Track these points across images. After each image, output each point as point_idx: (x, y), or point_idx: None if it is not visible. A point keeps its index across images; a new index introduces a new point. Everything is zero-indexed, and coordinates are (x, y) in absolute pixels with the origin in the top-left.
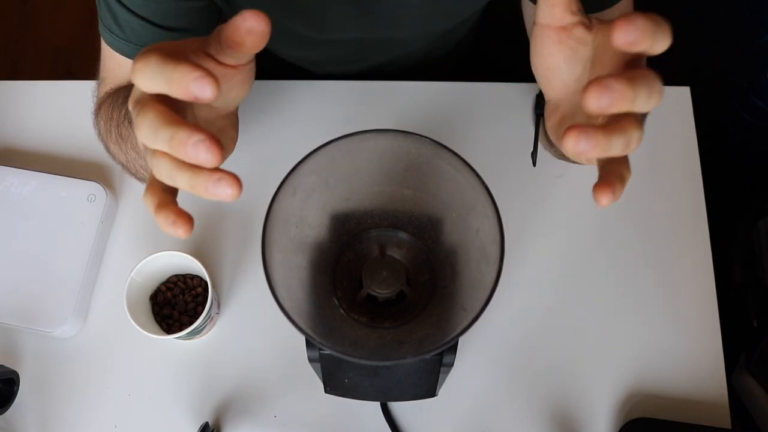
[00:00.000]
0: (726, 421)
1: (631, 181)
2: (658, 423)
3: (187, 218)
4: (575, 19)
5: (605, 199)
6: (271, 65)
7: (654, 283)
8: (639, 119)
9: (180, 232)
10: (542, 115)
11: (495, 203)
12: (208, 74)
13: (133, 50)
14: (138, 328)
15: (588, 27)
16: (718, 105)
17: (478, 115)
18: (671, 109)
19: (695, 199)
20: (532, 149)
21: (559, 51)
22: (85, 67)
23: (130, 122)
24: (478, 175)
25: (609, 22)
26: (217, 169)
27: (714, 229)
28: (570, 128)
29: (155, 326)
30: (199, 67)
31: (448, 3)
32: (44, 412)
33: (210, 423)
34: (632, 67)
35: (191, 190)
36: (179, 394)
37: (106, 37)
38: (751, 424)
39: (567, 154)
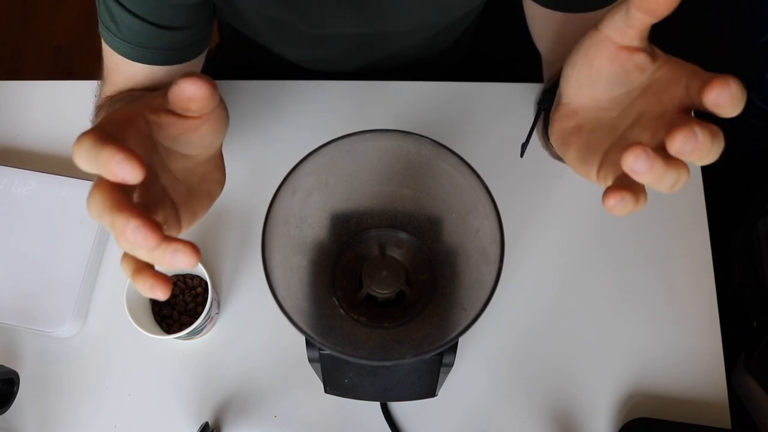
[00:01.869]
0: (726, 421)
1: None
2: (658, 423)
3: (165, 280)
4: (642, 45)
5: (613, 200)
6: (269, 66)
7: (654, 283)
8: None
9: (159, 294)
10: (547, 111)
11: (495, 203)
12: (130, 157)
13: (130, 49)
14: (138, 328)
15: (652, 57)
16: None
17: (478, 115)
18: None
19: (695, 199)
20: (524, 141)
21: (609, 66)
22: (85, 67)
23: None
24: (477, 175)
25: (676, 67)
26: (173, 240)
27: (714, 229)
28: (634, 144)
29: (155, 326)
30: (122, 149)
31: None
32: (44, 412)
33: (210, 423)
34: (684, 114)
35: (154, 262)
36: (179, 394)
37: (105, 36)
38: (750, 424)
39: (624, 167)
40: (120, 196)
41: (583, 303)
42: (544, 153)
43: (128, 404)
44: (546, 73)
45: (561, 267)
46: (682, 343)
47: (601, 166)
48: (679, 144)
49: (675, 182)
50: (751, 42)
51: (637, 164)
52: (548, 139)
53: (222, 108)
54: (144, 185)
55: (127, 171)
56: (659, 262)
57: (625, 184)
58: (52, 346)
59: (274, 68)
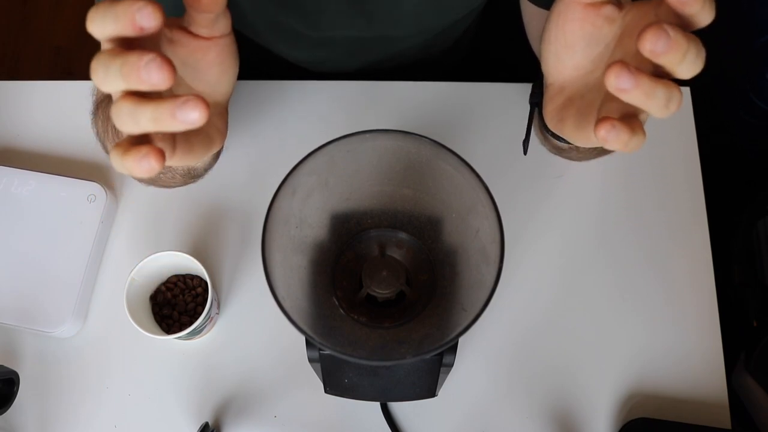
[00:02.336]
0: (726, 421)
1: (632, 181)
2: (658, 423)
3: (158, 150)
4: None
5: (603, 129)
6: (269, 66)
7: (654, 283)
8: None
9: (153, 162)
10: (537, 104)
11: (495, 203)
12: (149, 2)
13: None
14: (138, 328)
15: (619, 6)
16: (718, 105)
17: (478, 115)
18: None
19: (695, 199)
20: (524, 138)
21: (581, 28)
22: (85, 67)
23: None
24: (477, 175)
25: (644, 6)
26: (181, 94)
27: (714, 228)
28: (614, 63)
29: (155, 326)
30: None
31: (444, 1)
32: (44, 412)
33: (210, 423)
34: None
35: (157, 125)
36: (179, 394)
37: None
38: (751, 424)
39: (609, 88)
40: (131, 46)
41: (583, 303)
42: (544, 153)
43: (128, 404)
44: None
45: (561, 267)
46: (682, 343)
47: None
48: (651, 42)
49: (667, 100)
50: (751, 42)
51: (620, 81)
52: (546, 132)
53: (231, 42)
54: None
55: (146, 15)
56: (659, 262)
57: (616, 115)
58: (52, 346)
59: (274, 68)
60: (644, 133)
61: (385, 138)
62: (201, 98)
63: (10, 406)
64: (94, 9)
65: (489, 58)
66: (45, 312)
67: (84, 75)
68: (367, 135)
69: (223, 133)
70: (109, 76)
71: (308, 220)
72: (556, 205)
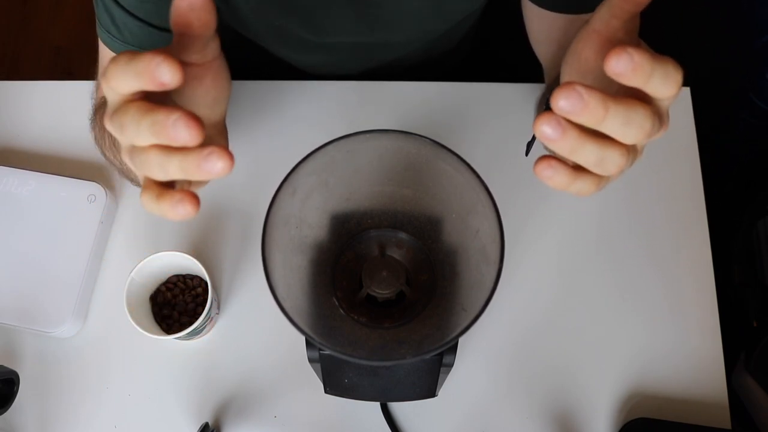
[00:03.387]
0: (726, 421)
1: (632, 181)
2: (658, 423)
3: (192, 195)
4: (627, 37)
5: (539, 166)
6: (270, 66)
7: (654, 283)
8: (652, 107)
9: (189, 208)
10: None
11: (495, 203)
12: (168, 58)
13: None
14: (138, 328)
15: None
16: (718, 105)
17: (478, 115)
18: (671, 110)
19: (695, 199)
20: (529, 139)
21: (595, 60)
22: (85, 67)
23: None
24: (477, 176)
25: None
26: (206, 145)
27: (714, 228)
28: (564, 84)
29: (155, 326)
30: (159, 53)
31: (446, 4)
32: (44, 412)
33: (210, 423)
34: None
35: (184, 174)
36: (179, 394)
37: (104, 38)
38: (750, 424)
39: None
40: (153, 103)
41: (583, 303)
42: (544, 153)
43: (128, 404)
44: (546, 81)
45: (561, 267)
46: (682, 343)
47: None
48: (613, 64)
49: (626, 120)
50: (751, 42)
51: (567, 103)
52: None
53: (223, 63)
54: None
55: (165, 72)
56: (659, 262)
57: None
58: (52, 346)
59: (274, 68)
60: (595, 183)
61: (385, 138)
62: (225, 149)
63: (10, 406)
64: (113, 65)
65: (489, 58)
66: (45, 312)
67: (84, 75)
68: (367, 135)
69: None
70: (141, 131)
71: (308, 221)
72: (557, 205)
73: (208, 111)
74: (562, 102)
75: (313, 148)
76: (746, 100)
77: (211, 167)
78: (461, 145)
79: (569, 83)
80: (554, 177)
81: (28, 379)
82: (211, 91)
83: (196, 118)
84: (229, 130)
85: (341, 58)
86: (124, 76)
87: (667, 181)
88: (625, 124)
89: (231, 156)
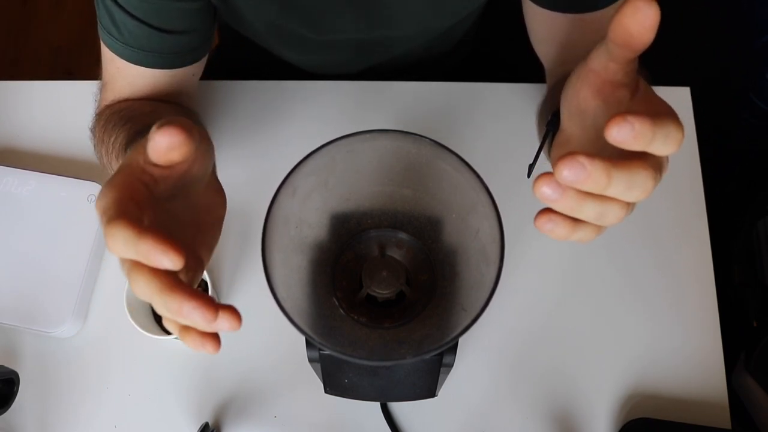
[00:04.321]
0: (726, 421)
1: None
2: (658, 423)
3: (213, 335)
4: (626, 79)
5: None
6: (269, 66)
7: (654, 283)
8: (652, 164)
9: (210, 349)
10: (553, 132)
11: (495, 203)
12: (170, 247)
13: (132, 53)
14: (138, 328)
15: (633, 92)
16: (719, 105)
17: (478, 115)
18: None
19: (695, 199)
20: (531, 161)
21: (593, 98)
22: (85, 67)
23: (117, 158)
24: (478, 176)
25: (652, 99)
26: (218, 307)
27: (714, 228)
28: (567, 154)
29: (155, 326)
30: (161, 240)
31: (447, 2)
32: (44, 412)
33: (210, 423)
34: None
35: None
36: (179, 394)
37: (106, 40)
38: (750, 424)
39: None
40: (165, 277)
41: (582, 303)
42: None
43: (128, 404)
44: (548, 81)
45: (561, 267)
46: (682, 343)
47: None
48: (614, 133)
49: (629, 185)
50: (751, 42)
51: (571, 174)
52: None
53: (206, 141)
54: None
55: (168, 261)
56: (659, 262)
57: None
58: (52, 346)
59: (274, 68)
60: (595, 231)
61: (385, 138)
62: (233, 311)
63: (10, 406)
64: (112, 235)
65: (489, 58)
66: (45, 312)
67: (84, 75)
68: (367, 135)
69: (225, 203)
70: (155, 305)
71: (308, 221)
72: None
73: (197, 184)
74: (565, 173)
75: (313, 148)
76: (746, 100)
77: (221, 326)
78: (461, 145)
79: (572, 154)
80: (555, 230)
81: (28, 379)
82: (199, 171)
83: (209, 302)
84: (229, 130)
85: (341, 57)
86: (125, 249)
87: (667, 181)
88: (628, 189)
89: (239, 317)
